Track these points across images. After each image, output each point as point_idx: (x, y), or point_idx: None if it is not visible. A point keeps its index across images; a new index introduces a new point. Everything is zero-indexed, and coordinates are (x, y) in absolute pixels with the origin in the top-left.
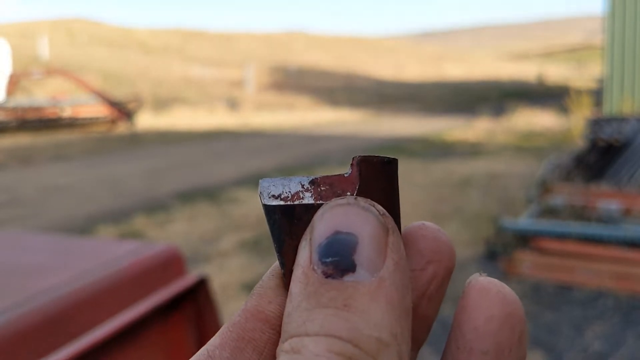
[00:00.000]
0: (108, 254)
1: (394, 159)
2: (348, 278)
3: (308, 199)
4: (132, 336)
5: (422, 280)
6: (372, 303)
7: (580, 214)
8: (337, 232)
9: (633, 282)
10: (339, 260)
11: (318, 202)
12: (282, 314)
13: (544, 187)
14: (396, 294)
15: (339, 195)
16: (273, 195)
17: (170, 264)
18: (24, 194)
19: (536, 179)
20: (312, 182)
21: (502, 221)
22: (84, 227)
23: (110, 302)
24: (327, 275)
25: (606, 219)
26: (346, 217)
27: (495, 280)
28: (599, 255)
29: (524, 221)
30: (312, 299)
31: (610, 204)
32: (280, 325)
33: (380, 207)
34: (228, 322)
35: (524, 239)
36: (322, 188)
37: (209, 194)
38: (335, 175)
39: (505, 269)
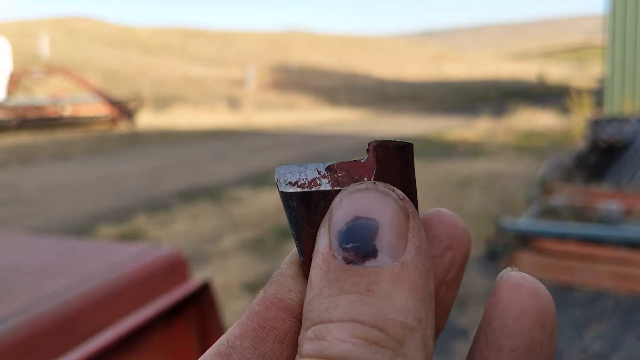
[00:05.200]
0: (112, 258)
1: (409, 143)
2: (370, 263)
3: (325, 186)
4: (136, 341)
5: (440, 266)
6: (395, 287)
7: (581, 214)
8: (356, 218)
9: (633, 282)
10: (360, 245)
11: (335, 188)
12: (303, 302)
13: (545, 188)
14: (419, 278)
15: (356, 181)
16: (290, 182)
17: (174, 268)
18: (24, 192)
19: (536, 179)
20: (328, 169)
21: (503, 221)
22: (85, 226)
23: (115, 306)
24: (348, 262)
25: (606, 220)
26: (365, 202)
27: (527, 275)
28: (599, 256)
29: (525, 221)
30: (333, 285)
31: (611, 205)
32: (301, 314)
33: (399, 192)
34: (247, 312)
35: (525, 239)
36: (339, 174)
37: (210, 193)
38: (351, 161)
39: None
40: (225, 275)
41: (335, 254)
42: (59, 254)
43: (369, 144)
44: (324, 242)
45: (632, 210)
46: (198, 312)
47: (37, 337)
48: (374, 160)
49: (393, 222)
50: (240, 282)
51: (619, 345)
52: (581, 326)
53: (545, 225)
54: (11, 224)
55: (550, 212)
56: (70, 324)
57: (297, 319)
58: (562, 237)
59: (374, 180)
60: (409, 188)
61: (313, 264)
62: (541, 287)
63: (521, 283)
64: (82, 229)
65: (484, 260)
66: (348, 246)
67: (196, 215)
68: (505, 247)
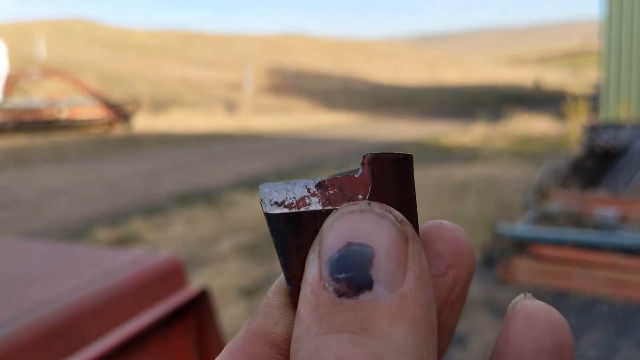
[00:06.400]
0: (109, 264)
1: (408, 155)
2: (364, 297)
3: (315, 205)
4: (133, 348)
5: (443, 286)
6: (393, 324)
7: (577, 220)
8: (349, 244)
9: (629, 289)
10: (353, 275)
11: (327, 207)
12: (290, 337)
13: (541, 193)
14: (420, 311)
15: (349, 199)
16: (276, 202)
17: (172, 274)
18: (20, 195)
19: (533, 185)
20: (318, 185)
21: (499, 227)
22: (81, 229)
23: (112, 313)
24: (340, 294)
25: (603, 226)
26: (360, 225)
27: (543, 304)
28: (595, 262)
29: (521, 227)
30: (323, 322)
31: (607, 211)
32: (289, 350)
33: (397, 213)
34: (230, 345)
35: (521, 245)
36: (331, 192)
37: (207, 196)
38: (344, 176)
39: (502, 275)
40: (221, 279)
41: (326, 285)
42: (55, 260)
43: (363, 156)
44: (313, 270)
45: (628, 217)
46: (196, 319)
47: (32, 345)
48: (369, 176)
49: (390, 249)
50: (237, 286)
51: (614, 351)
52: (577, 332)
53: (541, 231)
54: (7, 226)
55: (546, 218)
56: (67, 331)
57: (284, 356)
58: (558, 243)
59: (369, 199)
60: (407, 206)
61: (301, 296)
62: (559, 319)
63: (537, 315)
64: (78, 232)
65: (480, 266)
66: (340, 276)
67: (193, 218)
68: (502, 253)
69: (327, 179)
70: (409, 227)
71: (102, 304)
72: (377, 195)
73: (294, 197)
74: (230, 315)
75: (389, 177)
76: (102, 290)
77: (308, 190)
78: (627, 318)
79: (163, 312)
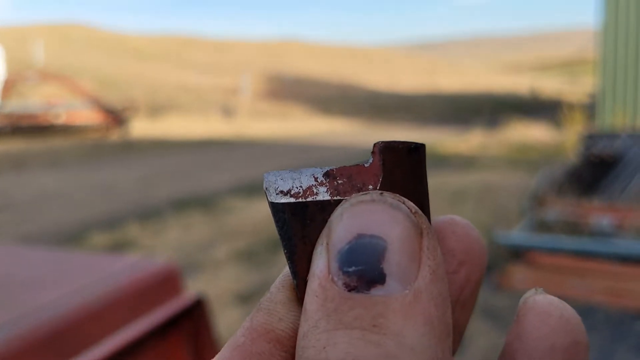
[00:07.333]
0: (105, 270)
1: (421, 144)
2: (376, 291)
3: (323, 195)
4: (129, 356)
5: (455, 284)
6: (407, 322)
7: (573, 228)
8: (360, 235)
9: (624, 296)
10: (365, 269)
11: (335, 198)
12: (296, 334)
13: (537, 201)
14: (435, 309)
15: (359, 190)
16: (281, 191)
17: (168, 281)
18: (17, 199)
19: (529, 193)
20: (326, 175)
21: (496, 234)
22: (77, 234)
23: (108, 319)
24: (350, 288)
25: (598, 234)
26: (371, 216)
27: (555, 299)
28: (591, 270)
29: (517, 235)
30: (332, 317)
31: (603, 219)
32: (294, 347)
33: (411, 204)
34: (230, 344)
35: (517, 253)
36: (339, 181)
37: (203, 202)
38: (353, 165)
39: (498, 283)
40: (218, 284)
41: (335, 279)
42: (51, 266)
43: (374, 145)
44: (321, 263)
45: (623, 225)
46: (192, 327)
47: (26, 351)
48: (379, 165)
49: (404, 241)
50: (233, 292)
51: (609, 358)
52: None
53: (537, 238)
54: (3, 229)
55: (542, 226)
56: (61, 338)
57: (289, 354)
58: (554, 251)
59: (380, 189)
60: (421, 199)
61: (308, 290)
62: (572, 314)
63: (549, 311)
64: (74, 236)
65: None
66: (350, 270)
67: (189, 224)
68: (498, 260)
69: (336, 168)
70: (423, 219)
71: (98, 310)
72: (388, 186)
73: (301, 186)
74: (226, 321)
75: (401, 167)
76: (98, 296)
77: (315, 179)
78: (621, 325)
79: (159, 319)
